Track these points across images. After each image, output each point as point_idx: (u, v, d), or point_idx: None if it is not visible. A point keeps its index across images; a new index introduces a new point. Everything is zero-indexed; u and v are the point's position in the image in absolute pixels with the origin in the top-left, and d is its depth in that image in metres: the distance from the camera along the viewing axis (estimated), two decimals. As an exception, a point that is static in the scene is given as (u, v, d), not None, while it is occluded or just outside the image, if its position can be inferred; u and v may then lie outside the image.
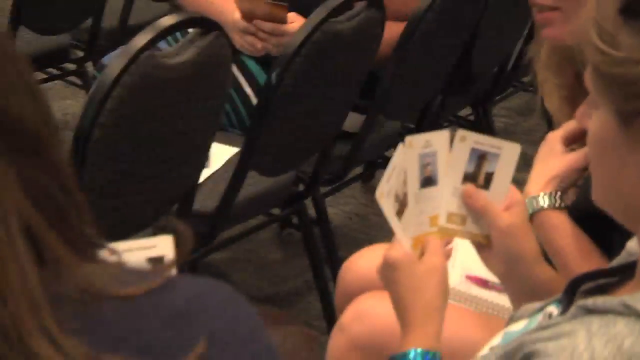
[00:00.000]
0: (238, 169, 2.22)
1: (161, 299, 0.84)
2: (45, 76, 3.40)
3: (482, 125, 3.33)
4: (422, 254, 1.34)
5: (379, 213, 3.29)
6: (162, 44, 2.24)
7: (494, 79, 3.16)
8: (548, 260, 1.43)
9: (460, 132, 1.35)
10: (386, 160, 3.05)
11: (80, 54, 3.34)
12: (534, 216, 1.48)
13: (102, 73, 1.84)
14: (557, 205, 1.47)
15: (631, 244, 1.21)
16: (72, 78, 3.48)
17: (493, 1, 2.73)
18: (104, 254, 0.88)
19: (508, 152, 1.35)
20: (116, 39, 3.31)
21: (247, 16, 2.45)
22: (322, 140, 2.46)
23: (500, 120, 3.91)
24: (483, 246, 1.38)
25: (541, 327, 1.09)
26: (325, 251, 2.71)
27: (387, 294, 1.59)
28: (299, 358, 2.22)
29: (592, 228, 1.45)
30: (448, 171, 1.36)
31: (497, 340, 1.24)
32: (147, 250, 1.18)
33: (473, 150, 1.34)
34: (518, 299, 1.35)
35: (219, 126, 2.17)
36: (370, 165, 3.24)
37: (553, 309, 1.20)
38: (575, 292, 1.17)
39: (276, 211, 2.69)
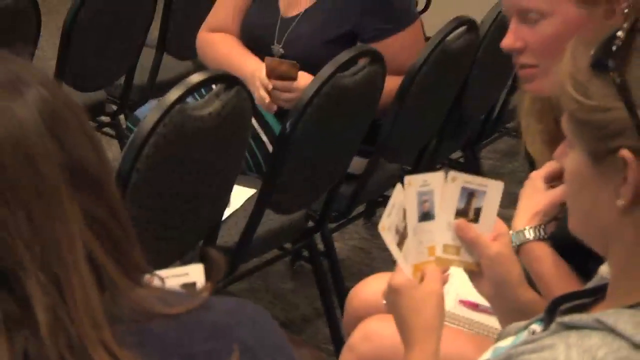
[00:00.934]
0: (256, 208, 2.22)
1: (201, 316, 0.87)
2: (83, 127, 3.44)
3: (471, 166, 3.31)
4: (421, 280, 1.35)
5: (381, 247, 3.31)
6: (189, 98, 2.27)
7: (481, 125, 3.16)
8: (532, 285, 1.44)
9: (452, 174, 1.37)
10: (386, 199, 3.04)
11: (114, 107, 3.35)
12: (520, 247, 1.49)
13: (139, 124, 1.85)
14: (540, 237, 1.48)
15: (603, 268, 1.21)
16: (107, 129, 3.48)
17: (480, 56, 2.74)
18: (148, 279, 0.90)
19: (493, 189, 1.38)
20: (146, 94, 3.34)
21: (268, 73, 2.44)
22: (330, 181, 2.46)
23: (487, 162, 3.89)
24: (475, 273, 1.40)
25: (526, 342, 1.09)
26: (333, 281, 2.70)
27: (391, 317, 1.61)
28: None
29: (571, 256, 1.46)
30: (442, 207, 1.37)
31: (488, 354, 1.24)
32: (181, 277, 1.21)
33: (463, 189, 1.37)
34: (505, 319, 1.36)
35: (239, 169, 2.17)
36: (372, 204, 3.23)
37: (536, 327, 1.20)
38: (555, 311, 1.18)
39: (288, 245, 2.68)
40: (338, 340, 2.60)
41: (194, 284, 1.21)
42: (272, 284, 3.05)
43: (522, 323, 1.26)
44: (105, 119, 3.42)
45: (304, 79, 2.39)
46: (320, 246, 2.69)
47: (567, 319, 1.05)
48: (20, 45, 0.91)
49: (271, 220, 2.37)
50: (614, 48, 1.01)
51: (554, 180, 1.52)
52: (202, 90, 2.35)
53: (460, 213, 1.38)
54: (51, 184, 0.82)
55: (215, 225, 2.17)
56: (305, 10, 2.54)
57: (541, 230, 1.49)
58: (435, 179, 1.38)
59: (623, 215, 1.02)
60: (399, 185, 1.37)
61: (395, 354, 1.52)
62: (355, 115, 2.37)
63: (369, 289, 1.85)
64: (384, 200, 3.11)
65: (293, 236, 2.57)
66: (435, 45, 2.48)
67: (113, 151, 3.71)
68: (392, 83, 2.45)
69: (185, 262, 2.23)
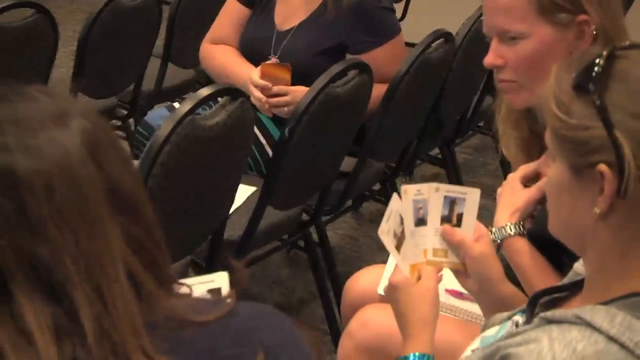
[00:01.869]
0: (258, 206, 2.22)
1: (227, 323, 0.87)
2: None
3: (448, 161, 3.32)
4: (418, 279, 1.37)
5: (367, 235, 3.32)
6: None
7: (457, 125, 3.17)
8: (513, 281, 1.46)
9: (434, 185, 1.39)
10: (372, 193, 3.08)
11: (124, 112, 3.35)
12: (503, 242, 1.51)
13: (155, 133, 1.85)
14: (520, 232, 1.49)
15: (578, 265, 1.22)
16: (117, 132, 3.43)
17: (456, 66, 2.75)
18: (178, 287, 0.91)
19: (471, 196, 1.39)
20: (152, 100, 3.34)
21: (263, 76, 2.44)
22: (324, 180, 2.45)
23: (461, 156, 3.89)
24: (460, 272, 1.41)
25: (512, 334, 1.10)
26: (326, 268, 2.69)
27: (385, 305, 1.61)
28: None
29: (546, 249, 1.47)
30: (429, 215, 1.39)
31: (476, 344, 1.25)
32: (207, 284, 1.21)
33: (446, 198, 1.38)
34: (489, 311, 1.37)
35: (243, 171, 2.16)
36: (360, 197, 3.23)
37: (518, 318, 1.21)
38: (535, 303, 1.19)
39: (286, 236, 2.65)
40: (332, 320, 2.62)
41: (219, 289, 1.22)
42: (270, 270, 3.04)
43: (506, 314, 1.27)
44: (116, 122, 3.39)
45: (297, 91, 2.39)
46: (315, 237, 2.68)
47: (549, 314, 1.07)
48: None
49: (271, 215, 2.36)
50: (594, 73, 1.02)
51: (528, 181, 1.54)
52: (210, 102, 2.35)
53: (445, 219, 1.39)
54: (94, 206, 0.83)
55: (222, 222, 2.16)
56: (299, 25, 2.54)
57: (520, 227, 1.50)
58: (428, 189, 1.39)
59: (599, 221, 1.03)
60: (395, 195, 1.39)
61: (390, 340, 1.54)
62: (346, 120, 2.37)
63: (364, 280, 1.85)
64: (370, 194, 3.12)
65: (290, 228, 2.56)
66: (416, 56, 2.49)
67: (123, 151, 3.71)
68: (377, 90, 2.45)
69: (196, 254, 2.23)
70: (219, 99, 1.99)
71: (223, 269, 2.35)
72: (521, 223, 1.50)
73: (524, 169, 1.55)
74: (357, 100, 2.35)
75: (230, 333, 0.87)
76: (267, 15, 2.58)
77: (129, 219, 0.85)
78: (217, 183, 2.03)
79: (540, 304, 1.20)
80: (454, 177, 3.33)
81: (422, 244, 1.40)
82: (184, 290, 0.92)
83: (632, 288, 1.04)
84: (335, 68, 2.22)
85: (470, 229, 1.39)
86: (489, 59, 1.55)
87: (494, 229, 1.52)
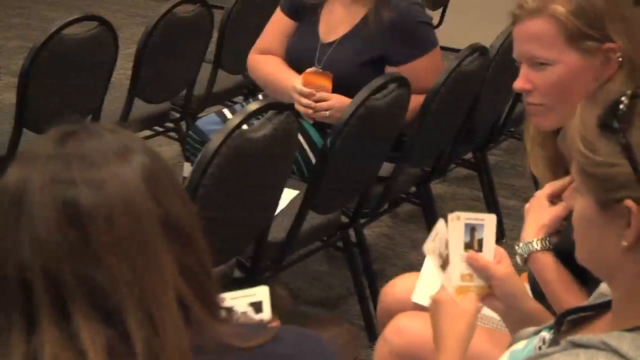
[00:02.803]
0: (300, 211, 2.24)
1: (270, 349, 0.88)
2: (151, 132, 3.43)
3: (480, 164, 3.31)
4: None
5: (403, 234, 3.30)
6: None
7: (489, 131, 3.15)
8: (540, 294, 1.46)
9: (455, 214, 1.38)
10: (408, 195, 3.07)
11: (177, 115, 3.37)
12: (529, 257, 1.50)
13: (206, 145, 1.86)
14: (546, 247, 1.48)
15: (603, 285, 1.20)
16: (171, 133, 3.51)
17: (489, 77, 2.73)
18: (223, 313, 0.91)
19: (489, 221, 1.39)
20: (203, 104, 3.37)
21: (305, 84, 2.47)
22: (363, 186, 2.46)
23: (492, 158, 3.88)
24: (487, 295, 1.40)
25: (540, 356, 1.09)
26: (363, 267, 2.70)
27: (419, 313, 1.61)
28: (347, 350, 2.25)
29: (571, 264, 1.41)
30: (452, 243, 1.38)
31: (505, 358, 1.25)
32: (248, 297, 1.23)
33: (466, 225, 1.38)
34: (515, 328, 1.36)
35: (286, 179, 2.18)
36: (396, 200, 3.19)
37: (545, 334, 1.21)
38: (562, 322, 1.19)
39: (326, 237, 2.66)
40: (367, 316, 2.61)
41: (260, 302, 1.23)
42: (310, 267, 3.05)
43: (533, 329, 1.27)
44: (169, 124, 3.44)
45: (338, 97, 2.41)
46: (353, 238, 2.67)
47: (577, 338, 1.06)
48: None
49: (313, 218, 2.37)
50: (619, 111, 1.01)
51: (555, 198, 1.53)
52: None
53: (468, 245, 1.39)
54: (151, 237, 0.84)
55: (267, 226, 2.18)
56: (342, 37, 2.54)
57: (546, 242, 1.49)
58: (481, 216, 1.39)
59: (626, 253, 1.02)
60: (442, 220, 1.39)
61: (423, 347, 1.54)
62: (384, 130, 2.38)
63: (400, 287, 1.85)
64: (406, 196, 3.11)
65: (332, 230, 2.57)
66: (452, 69, 2.48)
67: (175, 150, 3.74)
68: (415, 101, 2.44)
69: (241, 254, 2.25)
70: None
71: (268, 273, 2.34)
72: (547, 239, 1.49)
73: (551, 187, 1.54)
74: (395, 111, 2.34)
75: (273, 358, 0.88)
76: (312, 28, 2.58)
77: (183, 249, 0.87)
78: (262, 190, 2.04)
79: (567, 321, 1.19)
80: (486, 180, 3.31)
81: (458, 270, 1.39)
82: (228, 315, 0.92)
83: (658, 317, 1.03)
84: (375, 82, 2.23)
85: (491, 253, 1.39)
86: (519, 84, 1.55)
87: (521, 244, 1.52)
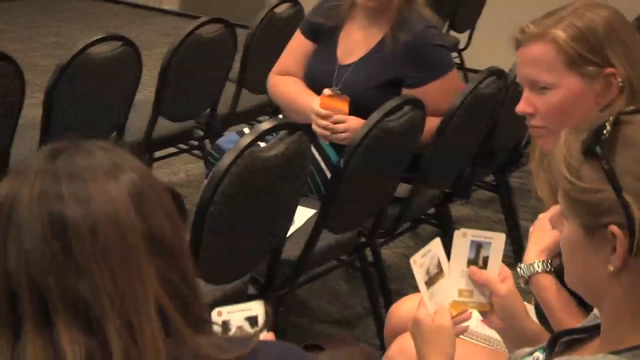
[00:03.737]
0: (314, 229, 2.25)
1: None
2: (176, 150, 3.50)
3: (501, 187, 3.31)
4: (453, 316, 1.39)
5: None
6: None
7: (510, 153, 3.14)
8: (542, 316, 1.46)
9: (461, 231, 1.39)
10: (427, 216, 3.08)
11: (201, 133, 3.41)
12: (530, 278, 1.50)
13: (217, 163, 1.89)
14: (547, 269, 1.49)
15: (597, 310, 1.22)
16: (195, 151, 3.55)
17: (507, 100, 2.70)
18: (210, 328, 0.93)
19: (497, 240, 1.40)
20: (227, 123, 3.41)
21: (323, 106, 2.50)
22: (377, 206, 2.47)
23: (515, 180, 3.86)
24: (485, 312, 1.42)
25: None
26: (380, 287, 2.70)
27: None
28: (359, 369, 2.24)
29: None
30: (455, 259, 1.39)
31: None
32: (246, 311, 1.25)
33: (472, 242, 1.39)
34: (513, 346, 1.37)
35: (298, 198, 2.18)
36: (416, 221, 3.21)
37: (539, 355, 1.22)
38: (556, 343, 1.19)
39: (343, 256, 2.68)
40: (383, 336, 2.61)
41: (256, 317, 1.25)
42: (330, 286, 3.06)
43: (528, 349, 1.27)
44: (193, 142, 3.48)
45: (354, 119, 2.44)
46: (370, 258, 2.68)
47: (564, 358, 1.08)
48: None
49: (328, 237, 2.39)
50: (602, 138, 1.02)
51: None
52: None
53: (471, 262, 1.40)
54: (134, 251, 0.87)
55: (280, 243, 2.19)
56: (359, 60, 2.56)
57: (547, 264, 1.50)
58: (490, 234, 1.40)
59: (612, 278, 1.03)
60: (438, 239, 1.41)
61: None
62: (398, 152, 2.38)
63: (406, 307, 1.86)
64: (425, 218, 3.12)
65: (348, 249, 2.58)
66: (469, 92, 2.48)
67: (199, 168, 3.78)
68: (430, 123, 2.46)
69: (255, 272, 2.27)
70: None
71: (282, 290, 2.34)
72: (549, 261, 1.49)
73: (554, 209, 1.53)
74: (410, 133, 2.35)
75: None
76: (330, 50, 2.61)
77: (166, 263, 0.89)
78: (274, 208, 2.06)
79: (560, 343, 1.20)
80: (507, 202, 3.30)
81: (464, 285, 1.40)
82: (221, 327, 0.95)
83: (643, 341, 1.04)
84: (390, 104, 2.24)
85: (495, 271, 1.39)
86: (521, 107, 1.56)
87: (522, 265, 1.52)
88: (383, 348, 2.60)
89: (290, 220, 2.18)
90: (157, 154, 3.49)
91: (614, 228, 1.00)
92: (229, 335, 0.97)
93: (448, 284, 1.39)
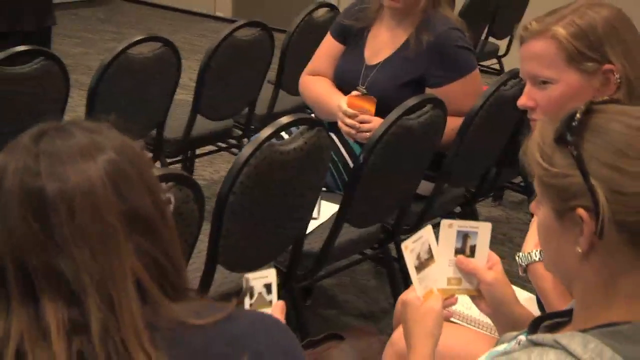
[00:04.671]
0: (335, 222, 2.28)
1: (224, 327, 0.92)
2: (215, 148, 3.56)
3: (529, 188, 3.29)
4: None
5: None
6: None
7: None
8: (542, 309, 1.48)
9: (447, 221, 1.41)
10: (453, 215, 3.09)
11: (239, 132, 3.48)
12: (528, 267, 1.52)
13: (237, 155, 1.93)
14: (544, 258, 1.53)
15: None
16: (234, 149, 3.60)
17: None
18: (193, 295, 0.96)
19: (484, 229, 1.42)
20: (265, 123, 3.43)
21: (350, 105, 2.54)
22: (398, 203, 2.49)
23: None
24: (475, 297, 1.44)
25: (504, 353, 1.11)
26: (403, 281, 2.69)
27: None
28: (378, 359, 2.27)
29: None
30: (442, 249, 1.41)
31: (483, 358, 1.26)
32: (263, 279, 1.32)
33: (459, 232, 1.41)
34: (504, 331, 1.38)
35: (319, 193, 2.22)
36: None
37: (522, 337, 1.22)
38: (538, 326, 1.20)
39: (369, 250, 2.72)
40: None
41: (270, 284, 1.32)
42: (357, 280, 3.09)
43: (515, 333, 1.28)
44: (232, 141, 3.54)
45: (379, 120, 2.44)
46: (394, 253, 2.71)
47: (534, 337, 1.09)
48: None
49: (351, 232, 2.43)
50: (572, 125, 1.05)
51: None
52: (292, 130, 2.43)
53: (458, 251, 1.42)
54: (111, 228, 0.90)
55: (301, 235, 2.24)
56: (385, 60, 2.61)
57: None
58: (476, 224, 1.43)
59: (582, 260, 1.06)
60: (429, 226, 1.44)
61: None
62: (419, 150, 2.40)
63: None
64: (450, 216, 3.13)
65: (371, 244, 2.61)
66: (491, 93, 2.50)
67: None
68: (452, 123, 2.48)
69: (279, 262, 2.33)
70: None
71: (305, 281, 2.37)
72: None
73: None
74: (430, 132, 2.37)
75: (226, 336, 0.92)
76: (358, 51, 2.66)
77: (145, 239, 0.92)
78: (293, 201, 2.10)
79: (543, 327, 1.21)
80: (536, 203, 3.29)
81: (452, 273, 1.43)
82: (196, 297, 0.99)
83: (610, 319, 1.05)
84: (409, 102, 2.27)
85: (483, 259, 1.42)
86: (522, 101, 1.59)
87: (521, 254, 1.54)
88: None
89: (310, 213, 2.22)
90: (198, 152, 3.57)
91: (581, 211, 1.02)
92: (209, 302, 1.01)
93: (438, 270, 1.42)
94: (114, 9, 7.61)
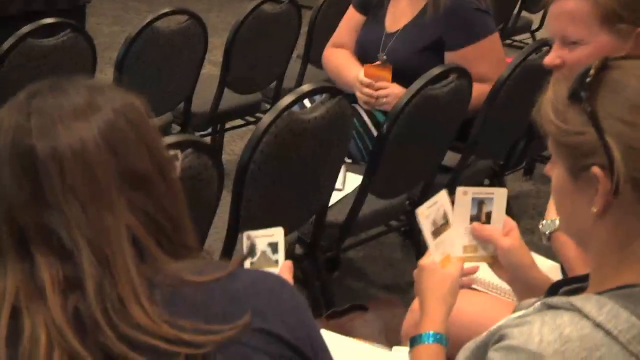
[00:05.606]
0: (359, 193, 2.26)
1: (225, 285, 0.90)
2: (243, 122, 3.54)
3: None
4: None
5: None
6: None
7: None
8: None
9: (462, 189, 1.38)
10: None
11: (268, 106, 3.40)
12: (551, 235, 1.50)
13: (258, 124, 1.91)
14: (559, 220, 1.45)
15: None
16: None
17: None
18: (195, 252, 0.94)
19: (499, 195, 1.38)
20: (293, 96, 3.46)
21: (367, 74, 2.53)
22: (423, 174, 2.46)
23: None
24: (492, 264, 1.41)
25: (519, 317, 1.08)
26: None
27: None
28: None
29: None
30: (457, 216, 1.37)
31: (501, 323, 1.27)
32: (268, 237, 1.29)
33: (473, 199, 1.37)
34: (521, 297, 1.36)
35: (342, 163, 2.20)
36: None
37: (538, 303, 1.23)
38: (556, 292, 1.17)
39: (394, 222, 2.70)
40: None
41: (276, 244, 1.29)
42: (385, 253, 3.07)
43: (534, 299, 1.25)
44: (261, 115, 3.46)
45: (396, 86, 2.47)
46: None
47: (549, 300, 1.06)
48: None
49: (377, 202, 2.39)
50: (586, 81, 1.01)
51: None
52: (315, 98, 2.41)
53: (474, 218, 1.39)
54: (104, 186, 0.88)
55: (324, 205, 2.21)
56: (403, 27, 2.59)
57: None
58: (492, 190, 1.40)
59: (597, 220, 1.02)
60: (444, 191, 1.41)
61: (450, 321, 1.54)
62: (444, 120, 2.36)
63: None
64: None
65: (397, 216, 2.58)
66: (518, 62, 2.44)
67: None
68: (479, 89, 2.44)
69: (303, 233, 2.31)
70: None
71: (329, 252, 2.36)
72: None
73: None
74: (455, 102, 2.33)
75: (228, 294, 0.90)
76: (379, 20, 2.66)
77: (141, 196, 0.90)
78: (315, 170, 2.07)
79: (562, 292, 1.18)
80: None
81: (467, 240, 1.40)
82: (202, 255, 0.97)
83: (625, 281, 1.02)
84: (433, 71, 2.22)
85: (499, 225, 1.38)
86: (549, 59, 1.55)
87: (544, 222, 1.51)
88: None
89: (333, 183, 2.19)
90: (228, 126, 3.55)
91: (595, 169, 0.99)
92: (212, 262, 0.99)
93: (454, 236, 1.38)
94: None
